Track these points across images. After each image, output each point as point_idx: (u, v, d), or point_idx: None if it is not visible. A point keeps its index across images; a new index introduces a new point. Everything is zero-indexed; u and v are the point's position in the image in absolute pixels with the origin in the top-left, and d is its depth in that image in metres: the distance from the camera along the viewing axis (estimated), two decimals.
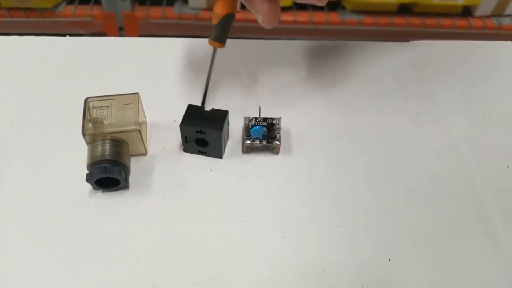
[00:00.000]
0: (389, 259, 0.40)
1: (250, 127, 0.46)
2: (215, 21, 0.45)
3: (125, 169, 0.42)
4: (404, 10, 1.12)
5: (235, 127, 0.48)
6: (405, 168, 0.46)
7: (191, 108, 0.45)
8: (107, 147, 0.42)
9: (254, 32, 1.10)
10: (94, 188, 0.43)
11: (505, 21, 1.12)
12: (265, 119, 0.47)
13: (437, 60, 0.59)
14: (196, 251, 0.40)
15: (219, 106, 0.46)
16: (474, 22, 1.12)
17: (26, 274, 0.38)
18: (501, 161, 0.48)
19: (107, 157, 0.41)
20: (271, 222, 0.42)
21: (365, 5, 1.10)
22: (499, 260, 0.40)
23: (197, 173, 0.45)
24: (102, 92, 0.45)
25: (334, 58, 0.59)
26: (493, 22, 1.12)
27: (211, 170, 0.45)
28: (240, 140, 0.48)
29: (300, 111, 0.51)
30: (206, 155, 0.46)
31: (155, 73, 0.55)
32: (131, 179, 0.44)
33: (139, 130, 0.43)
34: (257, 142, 0.46)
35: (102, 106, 0.44)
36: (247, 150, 0.47)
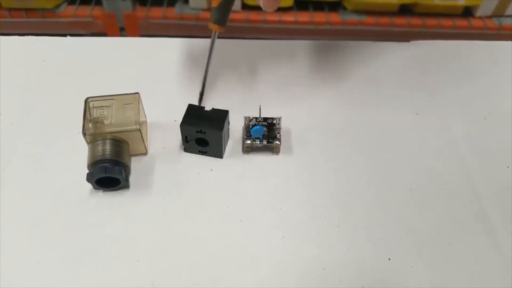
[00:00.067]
0: (389, 259, 0.40)
1: (251, 127, 0.46)
2: (215, 4, 0.45)
3: (126, 169, 0.42)
4: (404, 10, 1.12)
5: (235, 127, 0.48)
6: (405, 168, 0.47)
7: (191, 108, 0.45)
8: (108, 147, 0.42)
9: (255, 32, 1.11)
10: (94, 187, 0.43)
11: (506, 22, 1.12)
12: (265, 119, 0.47)
13: (437, 60, 0.59)
14: (196, 250, 0.40)
15: (219, 106, 0.46)
16: (475, 22, 1.12)
17: (26, 274, 0.38)
18: (501, 161, 0.48)
19: (108, 156, 0.41)
20: (271, 222, 0.42)
21: (366, 5, 1.09)
22: (499, 260, 0.40)
23: (198, 173, 0.45)
24: (102, 92, 0.45)
25: (335, 58, 0.59)
26: (494, 22, 1.12)
27: (211, 170, 0.46)
28: (241, 140, 0.48)
29: (300, 111, 0.51)
30: (206, 155, 0.46)
31: (156, 73, 0.55)
32: (131, 178, 0.44)
33: (140, 130, 0.43)
34: (258, 142, 0.46)
35: (102, 106, 0.44)
36: (247, 150, 0.47)
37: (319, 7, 1.13)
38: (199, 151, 0.46)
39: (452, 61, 0.59)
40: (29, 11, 1.09)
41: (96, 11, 1.10)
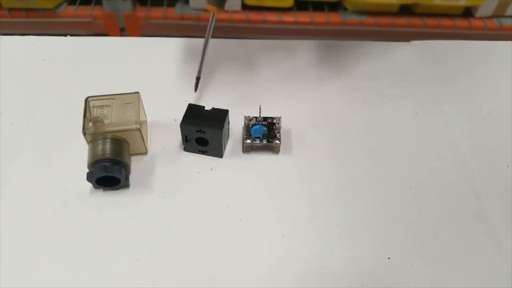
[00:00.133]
0: (389, 258, 0.40)
1: (250, 126, 0.46)
2: None
3: (126, 168, 0.42)
4: (405, 10, 1.12)
5: (235, 126, 0.49)
6: (405, 167, 0.47)
7: (191, 108, 0.45)
8: (108, 146, 0.42)
9: (255, 32, 1.11)
10: (94, 187, 0.43)
11: (506, 22, 1.12)
12: (265, 119, 0.47)
13: (437, 60, 0.59)
14: (196, 249, 0.40)
15: (219, 105, 0.46)
16: (475, 22, 1.12)
17: (27, 273, 0.38)
18: (501, 160, 0.48)
19: (108, 156, 0.41)
20: (271, 221, 0.42)
21: (366, 6, 1.09)
22: (499, 259, 0.40)
23: (198, 172, 0.45)
24: (102, 91, 0.45)
25: (335, 58, 0.59)
26: (494, 23, 1.12)
27: (211, 169, 0.46)
28: (240, 139, 0.48)
29: (300, 111, 0.51)
30: (206, 154, 0.46)
31: (156, 73, 0.55)
32: (131, 178, 0.44)
33: (140, 129, 0.43)
34: (257, 141, 0.46)
35: (102, 105, 0.44)
36: (247, 149, 0.47)
37: (319, 8, 1.13)
38: (199, 151, 0.46)
39: (451, 61, 0.59)
40: (29, 11, 1.08)
41: (96, 11, 1.10)
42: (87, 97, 0.44)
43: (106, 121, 0.43)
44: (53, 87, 0.53)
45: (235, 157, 0.47)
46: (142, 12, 1.11)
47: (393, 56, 0.59)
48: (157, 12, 1.11)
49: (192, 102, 0.46)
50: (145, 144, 0.45)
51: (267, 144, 0.46)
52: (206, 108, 0.45)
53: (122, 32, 1.13)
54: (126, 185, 0.44)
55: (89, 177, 0.41)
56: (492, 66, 0.59)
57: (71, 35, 0.60)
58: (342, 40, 0.62)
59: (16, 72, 0.55)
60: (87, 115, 0.43)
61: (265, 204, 0.43)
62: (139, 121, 0.43)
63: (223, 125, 0.44)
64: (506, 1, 1.10)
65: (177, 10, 1.10)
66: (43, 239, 0.40)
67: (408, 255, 0.40)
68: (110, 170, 0.41)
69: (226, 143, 0.48)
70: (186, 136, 0.45)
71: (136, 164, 0.46)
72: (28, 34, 0.59)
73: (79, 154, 0.45)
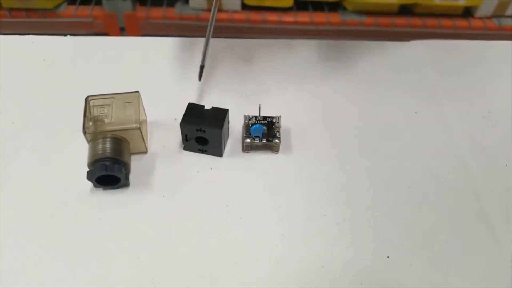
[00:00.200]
0: (388, 256, 0.40)
1: (250, 125, 0.47)
2: None
3: (126, 167, 0.43)
4: (405, 10, 1.12)
5: (235, 125, 0.49)
6: (404, 166, 0.47)
7: (191, 107, 0.45)
8: (108, 145, 0.42)
9: (254, 32, 1.11)
10: (95, 186, 0.43)
11: (506, 22, 1.12)
12: (265, 118, 0.47)
13: (437, 60, 0.59)
14: (196, 248, 0.40)
15: (219, 104, 0.46)
16: (475, 22, 1.12)
17: (27, 273, 0.38)
18: (500, 159, 0.48)
19: (108, 155, 0.41)
20: (271, 220, 0.42)
21: (366, 6, 1.09)
22: (499, 259, 0.40)
23: (197, 171, 0.45)
24: (103, 90, 0.45)
25: (334, 57, 0.59)
26: (494, 22, 1.12)
27: (211, 168, 0.46)
28: (240, 138, 0.48)
29: (299, 110, 0.51)
30: (206, 154, 0.47)
31: (156, 72, 0.55)
32: (131, 177, 0.44)
33: (140, 129, 0.43)
34: (257, 140, 0.46)
35: (103, 105, 0.44)
36: (247, 148, 0.47)
37: (319, 8, 1.13)
38: (199, 150, 0.46)
39: (451, 61, 0.59)
40: (29, 11, 1.09)
41: (96, 11, 1.10)
42: (87, 96, 0.44)
43: (106, 120, 0.43)
44: (53, 87, 0.53)
45: (234, 156, 0.47)
46: (142, 12, 1.11)
47: (393, 56, 0.59)
48: (157, 12, 1.11)
49: (192, 101, 0.46)
50: (145, 143, 0.45)
51: (267, 143, 0.46)
52: (206, 107, 0.45)
53: (122, 32, 1.13)
54: (126, 184, 0.44)
55: (89, 176, 0.41)
56: (492, 65, 0.59)
57: (71, 35, 0.60)
58: (341, 39, 0.62)
59: (16, 71, 0.55)
60: (87, 114, 0.43)
61: (265, 203, 0.43)
62: (139, 120, 0.43)
63: (222, 124, 0.44)
64: (505, 1, 1.10)
65: (177, 10, 1.11)
66: (43, 239, 0.40)
67: (408, 254, 0.40)
68: (110, 169, 0.41)
69: (226, 142, 0.48)
70: (186, 135, 0.45)
71: (136, 163, 0.46)
72: (28, 34, 0.60)
73: (79, 154, 0.45)
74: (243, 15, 1.09)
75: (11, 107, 0.51)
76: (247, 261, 0.39)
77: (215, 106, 0.45)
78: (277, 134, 0.46)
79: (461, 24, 1.12)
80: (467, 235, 0.42)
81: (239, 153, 0.47)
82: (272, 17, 1.10)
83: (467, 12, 1.14)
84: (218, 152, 0.46)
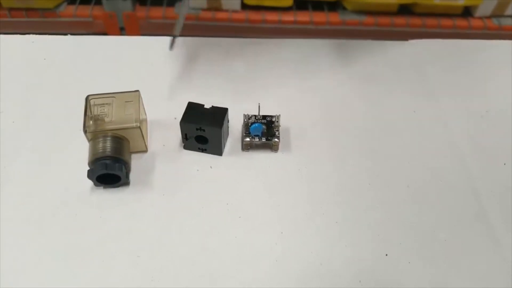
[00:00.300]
0: (387, 255, 0.40)
1: (250, 124, 0.47)
2: None
3: (126, 166, 0.43)
4: (404, 10, 1.12)
5: (234, 124, 0.49)
6: (403, 165, 0.47)
7: (191, 106, 0.46)
8: (108, 144, 0.42)
9: (254, 32, 1.11)
10: (95, 184, 0.43)
11: (506, 22, 1.12)
12: (264, 117, 0.48)
13: (435, 59, 0.59)
14: (195, 246, 0.40)
15: (218, 103, 0.46)
16: (474, 22, 1.12)
17: (27, 273, 0.38)
18: (499, 158, 0.48)
19: (108, 153, 0.42)
20: (270, 218, 0.42)
21: (366, 5, 1.10)
22: (499, 259, 0.41)
23: (197, 170, 0.45)
24: (103, 90, 0.45)
25: (334, 56, 0.59)
26: (494, 22, 1.12)
27: (211, 167, 0.46)
28: (240, 137, 0.48)
29: (299, 109, 0.52)
30: (206, 152, 0.47)
31: (156, 72, 0.55)
32: (131, 176, 0.44)
33: (140, 128, 0.43)
34: (257, 139, 0.46)
35: (103, 104, 0.44)
36: (246, 147, 0.47)
37: (318, 7, 1.13)
38: (199, 149, 0.47)
39: (449, 60, 0.59)
40: (29, 10, 1.09)
41: (96, 11, 1.10)
42: (88, 96, 0.45)
43: (106, 119, 0.43)
44: (53, 86, 0.53)
45: (234, 155, 0.47)
46: (142, 12, 1.11)
47: (391, 55, 0.59)
48: (157, 12, 1.11)
49: (192, 100, 0.46)
50: (145, 142, 0.46)
51: (266, 142, 0.46)
52: (205, 107, 0.45)
53: (122, 31, 1.13)
54: (127, 183, 0.44)
55: (90, 175, 0.42)
56: (490, 65, 0.59)
57: (71, 34, 0.61)
58: (340, 39, 0.62)
59: (17, 71, 0.55)
60: (87, 113, 0.43)
61: (264, 202, 0.43)
62: (139, 119, 0.44)
63: (222, 123, 0.44)
64: (505, 1, 1.11)
65: (177, 9, 1.11)
66: (43, 239, 0.40)
67: (407, 254, 0.40)
68: (110, 168, 0.41)
69: (226, 141, 0.48)
70: (185, 134, 0.46)
71: (136, 162, 0.46)
72: (29, 34, 0.60)
73: (79, 154, 0.45)
74: (242, 15, 1.09)
75: (11, 106, 0.51)
76: (246, 259, 0.39)
77: (215, 105, 0.46)
78: (277, 133, 0.47)
79: (461, 23, 1.12)
80: (465, 232, 0.42)
81: (239, 152, 0.47)
82: (271, 16, 1.10)
83: (467, 12, 1.14)
84: (218, 151, 0.46)
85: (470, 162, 0.47)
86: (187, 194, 0.44)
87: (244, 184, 0.45)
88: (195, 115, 0.45)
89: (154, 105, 0.49)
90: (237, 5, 1.09)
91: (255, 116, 0.48)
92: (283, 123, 0.48)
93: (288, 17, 1.10)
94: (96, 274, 0.38)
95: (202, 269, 0.39)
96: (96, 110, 0.44)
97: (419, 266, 0.40)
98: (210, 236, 0.41)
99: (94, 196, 0.43)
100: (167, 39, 0.60)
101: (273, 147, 0.47)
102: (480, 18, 1.13)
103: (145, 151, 0.47)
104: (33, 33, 0.60)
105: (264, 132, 0.47)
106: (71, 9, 1.11)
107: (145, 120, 0.49)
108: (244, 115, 0.48)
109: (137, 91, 0.46)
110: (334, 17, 1.12)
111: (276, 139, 0.46)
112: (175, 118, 0.48)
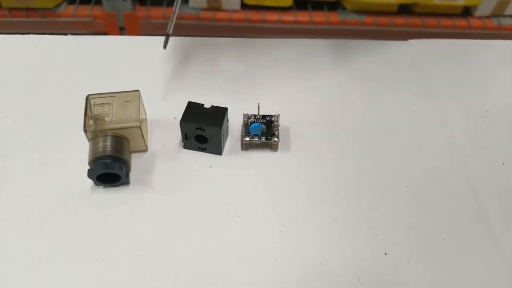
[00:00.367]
0: (386, 254, 0.40)
1: (249, 124, 0.47)
2: None
3: (126, 165, 0.43)
4: (404, 10, 1.12)
5: (234, 124, 0.49)
6: (402, 164, 0.47)
7: (191, 105, 0.46)
8: (108, 143, 0.42)
9: (254, 32, 1.11)
10: (95, 183, 0.43)
11: (505, 21, 1.12)
12: (264, 116, 0.48)
13: (435, 59, 0.59)
14: (195, 245, 0.40)
15: (218, 103, 0.46)
16: (474, 22, 1.12)
17: (27, 273, 0.38)
18: (497, 157, 0.48)
19: (108, 153, 0.42)
20: (270, 217, 0.42)
21: (366, 5, 1.10)
22: (498, 259, 0.41)
23: (197, 169, 0.46)
24: (103, 89, 0.45)
25: (333, 56, 0.59)
26: (493, 22, 1.12)
27: (210, 166, 0.46)
28: (239, 137, 0.48)
29: (298, 109, 0.52)
30: (205, 152, 0.47)
31: (156, 71, 0.56)
32: (131, 175, 0.45)
33: (140, 127, 0.43)
34: (256, 139, 0.46)
35: (103, 103, 0.44)
36: (246, 147, 0.47)
37: (318, 7, 1.13)
38: (199, 148, 0.47)
39: (449, 60, 0.59)
40: (29, 10, 1.09)
41: (96, 11, 1.10)
42: (88, 95, 0.45)
43: (106, 119, 0.43)
44: (53, 86, 0.54)
45: (234, 155, 0.47)
46: (141, 11, 1.11)
47: (391, 55, 0.60)
48: (157, 12, 1.11)
49: (192, 100, 0.46)
50: (145, 142, 0.46)
51: (266, 141, 0.47)
52: (205, 106, 0.46)
53: (122, 31, 1.13)
54: (127, 182, 0.44)
55: (90, 174, 0.42)
56: (489, 65, 0.59)
57: (71, 34, 0.61)
58: (340, 39, 0.62)
59: (17, 71, 0.55)
60: (88, 113, 0.43)
61: (264, 201, 0.43)
62: (139, 119, 0.44)
63: (222, 123, 0.44)
64: (504, 1, 1.11)
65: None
66: (43, 239, 0.40)
67: (407, 253, 0.40)
68: (110, 167, 0.41)
69: (225, 141, 0.48)
70: (185, 134, 0.46)
71: (136, 162, 0.46)
72: (29, 34, 0.60)
73: (79, 154, 0.45)
74: (242, 15, 1.09)
75: (11, 106, 0.51)
76: (246, 258, 0.40)
77: (215, 104, 0.46)
78: (276, 132, 0.47)
79: (460, 23, 1.12)
80: (466, 234, 0.42)
81: (238, 152, 0.47)
82: (271, 16, 1.10)
83: (466, 12, 1.14)
84: (218, 151, 0.47)
85: (470, 161, 0.48)
86: (187, 194, 0.44)
87: (243, 183, 0.45)
88: (195, 115, 0.45)
89: (154, 105, 0.50)
90: (237, 5, 1.09)
91: (255, 115, 0.48)
92: (282, 122, 0.49)
93: (288, 17, 1.11)
94: (96, 273, 0.38)
95: (202, 268, 0.39)
96: (96, 110, 0.44)
97: (419, 266, 0.40)
98: (210, 235, 0.41)
99: (94, 196, 0.43)
100: None
101: (273, 147, 0.47)
102: (480, 18, 1.13)
103: (145, 150, 0.47)
104: (33, 33, 0.60)
105: (263, 132, 0.47)
106: (71, 9, 1.11)
107: (145, 119, 0.49)
108: (244, 115, 0.48)
109: (137, 90, 0.46)
110: (333, 17, 1.12)
111: (275, 139, 0.46)
112: (175, 118, 0.48)
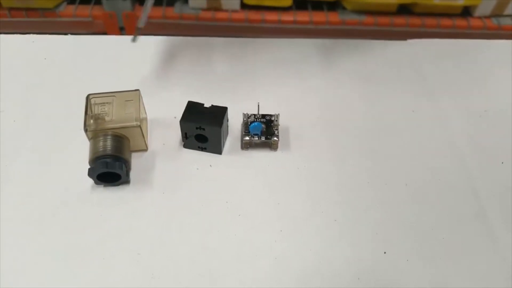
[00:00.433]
0: (385, 252, 0.40)
1: (249, 123, 0.47)
2: None
3: (126, 164, 0.43)
4: (404, 10, 1.12)
5: (234, 123, 0.49)
6: (402, 164, 0.47)
7: (191, 105, 0.46)
8: (109, 143, 0.42)
9: (254, 31, 1.11)
10: (96, 183, 0.43)
11: (505, 21, 1.12)
12: (263, 116, 0.48)
13: (435, 59, 0.59)
14: (195, 244, 0.40)
15: (218, 102, 0.46)
16: (474, 22, 1.12)
17: (27, 273, 0.38)
18: (496, 157, 0.48)
19: (109, 152, 0.42)
20: (269, 216, 0.42)
21: (365, 5, 1.10)
22: (498, 258, 0.41)
23: (197, 169, 0.46)
24: (103, 89, 0.46)
25: (333, 56, 0.59)
26: (493, 22, 1.12)
27: (210, 165, 0.46)
28: (239, 136, 0.48)
29: (298, 108, 0.52)
30: (205, 151, 0.47)
31: (156, 71, 0.56)
32: (132, 174, 0.45)
33: (140, 126, 0.43)
34: (256, 138, 0.46)
35: (103, 103, 0.44)
36: (246, 146, 0.47)
37: (318, 7, 1.13)
38: (199, 147, 0.47)
39: (449, 60, 0.59)
40: (29, 10, 1.09)
41: (96, 10, 1.10)
42: (88, 95, 0.45)
43: (107, 118, 0.43)
44: (53, 86, 0.54)
45: (234, 154, 0.47)
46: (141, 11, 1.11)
47: (391, 55, 0.60)
48: (157, 12, 1.11)
49: (192, 99, 0.46)
50: (145, 141, 0.46)
51: (265, 141, 0.47)
52: (205, 106, 0.46)
53: (121, 31, 1.13)
54: (127, 181, 0.44)
55: (91, 173, 0.42)
56: (488, 64, 0.59)
57: (71, 34, 0.61)
58: (340, 38, 0.62)
59: (17, 71, 0.55)
60: (88, 112, 0.43)
61: (264, 200, 0.43)
62: (140, 118, 0.44)
63: (222, 122, 0.44)
64: (504, 1, 1.11)
65: (176, 9, 1.11)
66: (43, 239, 0.40)
67: (407, 254, 0.40)
68: (111, 166, 0.41)
69: (225, 140, 0.48)
70: (185, 133, 0.46)
71: (136, 161, 0.46)
72: (29, 33, 0.60)
73: (79, 153, 0.45)
74: (242, 15, 1.09)
75: (11, 106, 0.51)
76: (246, 257, 0.40)
77: (215, 104, 0.46)
78: (276, 132, 0.47)
79: (460, 23, 1.12)
80: (466, 233, 0.42)
81: (238, 151, 0.48)
82: (271, 16, 1.10)
83: (466, 12, 1.14)
84: (218, 150, 0.47)
85: (469, 161, 0.48)
86: (187, 193, 0.44)
87: (243, 182, 0.45)
88: (195, 114, 0.45)
89: (154, 104, 0.50)
90: (236, 5, 1.09)
91: (255, 115, 0.48)
92: (282, 122, 0.49)
93: (288, 17, 1.11)
94: (97, 273, 0.38)
95: (202, 267, 0.39)
96: (96, 109, 0.44)
97: (419, 265, 0.40)
98: (210, 234, 0.41)
99: (94, 195, 0.43)
100: (167, 39, 0.60)
101: (272, 146, 0.47)
102: (480, 17, 1.13)
103: (145, 149, 0.47)
104: (33, 33, 0.60)
105: (263, 131, 0.47)
106: (71, 9, 1.11)
107: (145, 119, 0.49)
108: (244, 114, 0.48)
109: (137, 90, 0.46)
110: (333, 16, 1.12)
111: (275, 138, 0.46)
112: (175, 117, 0.48)
